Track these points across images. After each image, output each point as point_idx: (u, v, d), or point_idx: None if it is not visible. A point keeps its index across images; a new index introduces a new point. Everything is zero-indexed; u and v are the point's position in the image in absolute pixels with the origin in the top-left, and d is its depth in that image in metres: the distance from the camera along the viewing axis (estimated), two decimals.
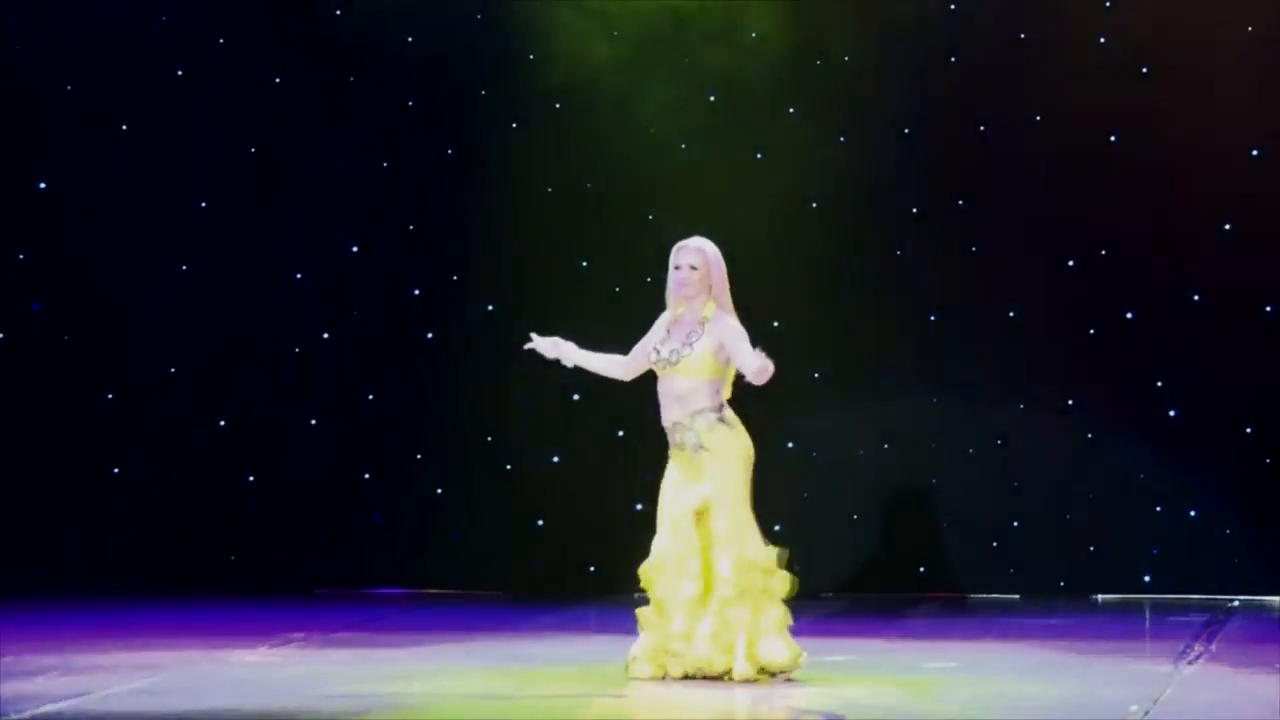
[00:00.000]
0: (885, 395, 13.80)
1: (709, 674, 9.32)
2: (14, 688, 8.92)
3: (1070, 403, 13.78)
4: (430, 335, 14.24)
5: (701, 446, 9.42)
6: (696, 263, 9.53)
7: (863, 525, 13.88)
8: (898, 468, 13.88)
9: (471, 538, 14.04)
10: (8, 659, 9.92)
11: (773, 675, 9.33)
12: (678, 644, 9.37)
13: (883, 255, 13.90)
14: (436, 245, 14.22)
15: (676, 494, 9.50)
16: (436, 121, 14.22)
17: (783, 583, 9.44)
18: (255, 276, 14.21)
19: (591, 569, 13.87)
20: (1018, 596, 13.76)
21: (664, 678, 9.41)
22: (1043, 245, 13.79)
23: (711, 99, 14.07)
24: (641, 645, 9.52)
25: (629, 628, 9.66)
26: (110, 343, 14.15)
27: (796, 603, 9.50)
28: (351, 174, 14.24)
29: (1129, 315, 13.73)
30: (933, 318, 13.89)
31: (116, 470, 14.17)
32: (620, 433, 13.65)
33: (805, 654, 9.44)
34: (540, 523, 14.08)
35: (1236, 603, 13.32)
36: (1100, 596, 13.73)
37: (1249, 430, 13.60)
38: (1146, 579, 13.73)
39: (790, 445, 13.81)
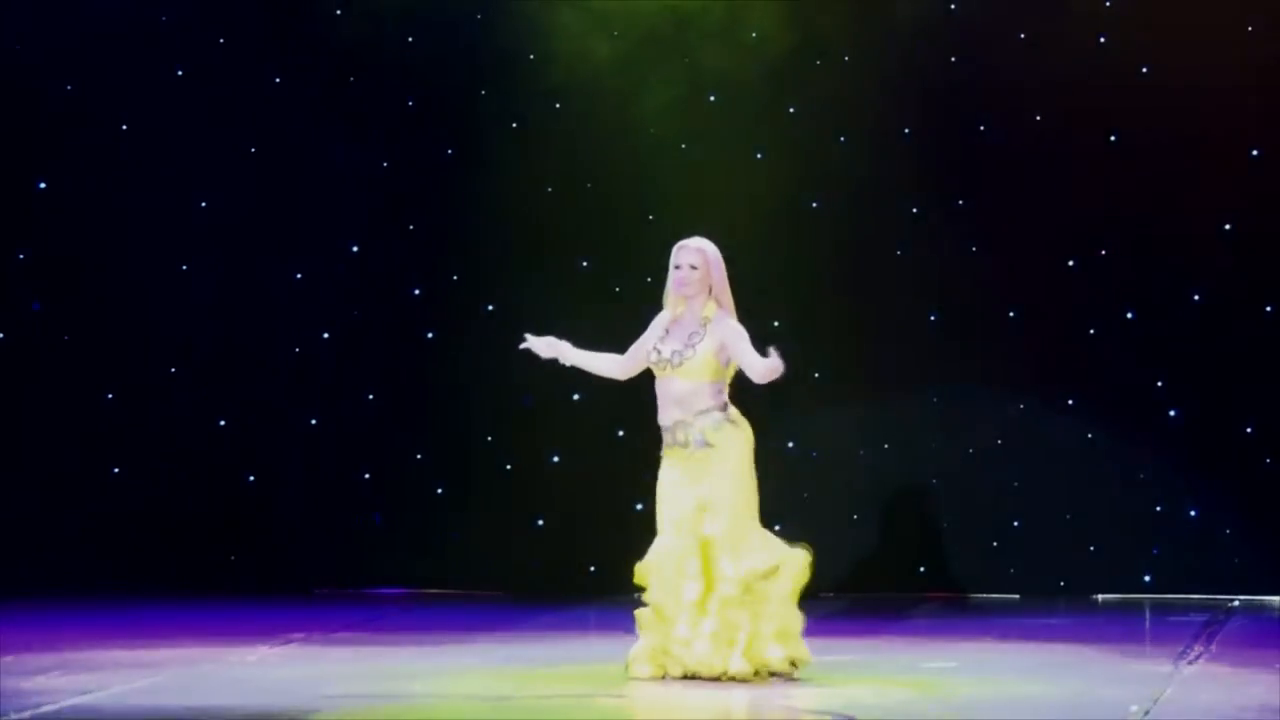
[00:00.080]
0: (885, 395, 13.80)
1: (709, 673, 9.32)
2: (14, 688, 8.91)
3: (1070, 403, 13.78)
4: (430, 335, 14.24)
5: (706, 444, 9.41)
6: (697, 262, 9.53)
7: (863, 525, 13.88)
8: (898, 468, 13.88)
9: (471, 538, 14.04)
10: (8, 659, 9.91)
11: (771, 675, 9.33)
12: (679, 648, 9.37)
13: (883, 255, 13.90)
14: (436, 245, 14.22)
15: (676, 494, 9.49)
16: (436, 121, 14.22)
17: (791, 582, 9.43)
18: (255, 276, 14.21)
19: (591, 569, 13.87)
20: (1018, 596, 13.76)
21: (664, 678, 9.41)
22: (1043, 245, 13.79)
23: (711, 99, 14.07)
24: (641, 645, 9.53)
25: (629, 628, 9.66)
26: (110, 343, 14.15)
27: (796, 602, 9.51)
28: (351, 174, 14.24)
29: (1129, 315, 13.73)
30: (933, 318, 13.89)
31: (116, 470, 14.17)
32: (620, 433, 13.64)
33: (809, 661, 9.43)
34: (540, 523, 14.08)
35: (1236, 603, 13.32)
36: (1100, 596, 13.73)
37: (1249, 430, 13.61)
38: (1146, 579, 13.73)
39: (790, 445, 13.81)
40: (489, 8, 14.11)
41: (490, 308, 14.11)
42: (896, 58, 13.81)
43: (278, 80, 14.25)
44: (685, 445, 9.45)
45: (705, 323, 9.48)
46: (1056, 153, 13.75)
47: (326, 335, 14.28)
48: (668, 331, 9.56)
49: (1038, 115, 13.81)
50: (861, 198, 13.88)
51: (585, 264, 14.12)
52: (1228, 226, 13.62)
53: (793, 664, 9.41)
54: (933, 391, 13.85)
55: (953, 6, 13.84)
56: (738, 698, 8.99)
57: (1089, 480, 13.72)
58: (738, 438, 9.46)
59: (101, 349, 14.15)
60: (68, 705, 8.50)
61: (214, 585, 13.82)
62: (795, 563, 9.46)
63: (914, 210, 13.92)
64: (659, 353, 9.51)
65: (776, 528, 9.67)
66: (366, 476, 14.19)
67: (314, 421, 14.23)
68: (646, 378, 9.66)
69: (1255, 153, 13.60)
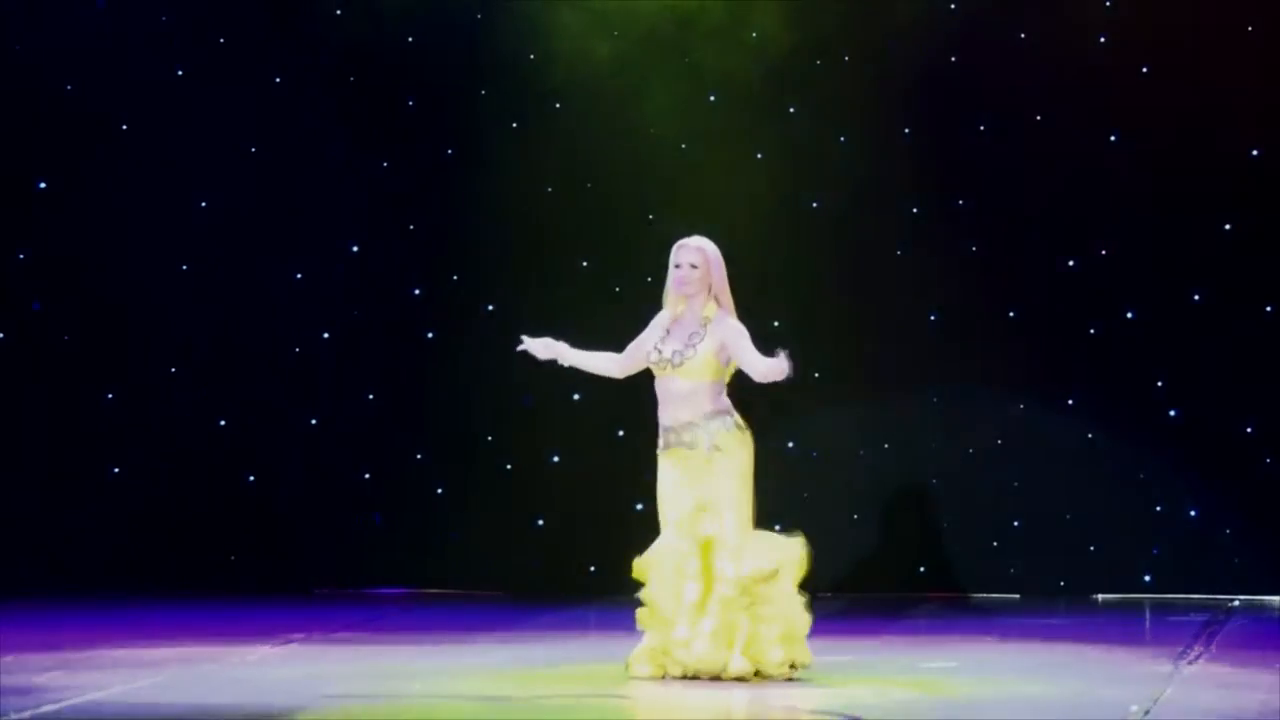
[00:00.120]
0: (885, 395, 13.80)
1: (709, 672, 9.31)
2: (14, 688, 8.91)
3: (1070, 403, 13.79)
4: (430, 335, 14.24)
5: (716, 448, 9.41)
6: (697, 261, 9.52)
7: (863, 525, 13.88)
8: (898, 468, 13.88)
9: (471, 538, 14.04)
10: (8, 659, 9.91)
11: (771, 677, 9.33)
12: (679, 649, 9.36)
13: (883, 255, 13.91)
14: (436, 245, 14.22)
15: (677, 494, 9.49)
16: (436, 121, 14.22)
17: (792, 581, 9.43)
18: (255, 276, 14.21)
19: (591, 569, 13.87)
20: (1018, 596, 13.76)
21: (664, 677, 9.41)
22: (1043, 245, 13.79)
23: (711, 99, 14.07)
24: (641, 645, 9.52)
25: (629, 628, 9.66)
26: (110, 343, 14.15)
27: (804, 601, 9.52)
28: (351, 174, 14.24)
29: (1129, 315, 13.74)
30: (933, 318, 13.89)
31: (116, 470, 14.17)
32: (620, 433, 13.64)
33: (810, 664, 9.43)
34: (540, 523, 14.09)
35: (1236, 603, 13.32)
36: (1100, 596, 13.73)
37: (1249, 430, 13.61)
38: (1146, 579, 13.73)
39: (790, 445, 13.81)
40: (489, 8, 14.11)
41: (490, 308, 14.11)
42: (896, 58, 13.81)
43: (278, 80, 14.25)
44: (692, 447, 9.44)
45: (705, 322, 9.47)
46: (1056, 153, 13.75)
47: (326, 335, 14.28)
48: (668, 331, 9.55)
49: (1038, 115, 13.81)
50: (861, 198, 13.88)
51: (585, 264, 14.12)
52: (1228, 226, 13.62)
53: (792, 666, 9.41)
54: (933, 391, 13.85)
55: (953, 6, 13.84)
56: (738, 698, 8.99)
57: (1089, 480, 13.72)
58: (743, 442, 9.47)
59: (101, 349, 14.15)
60: (68, 705, 8.50)
61: (214, 585, 13.82)
62: (793, 559, 9.45)
63: (914, 210, 13.92)
64: (659, 352, 9.50)
65: (776, 528, 9.67)
66: (366, 476, 14.19)
67: (314, 421, 14.23)
68: (645, 377, 9.65)
69: (1255, 153, 13.60)
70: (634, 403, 10.26)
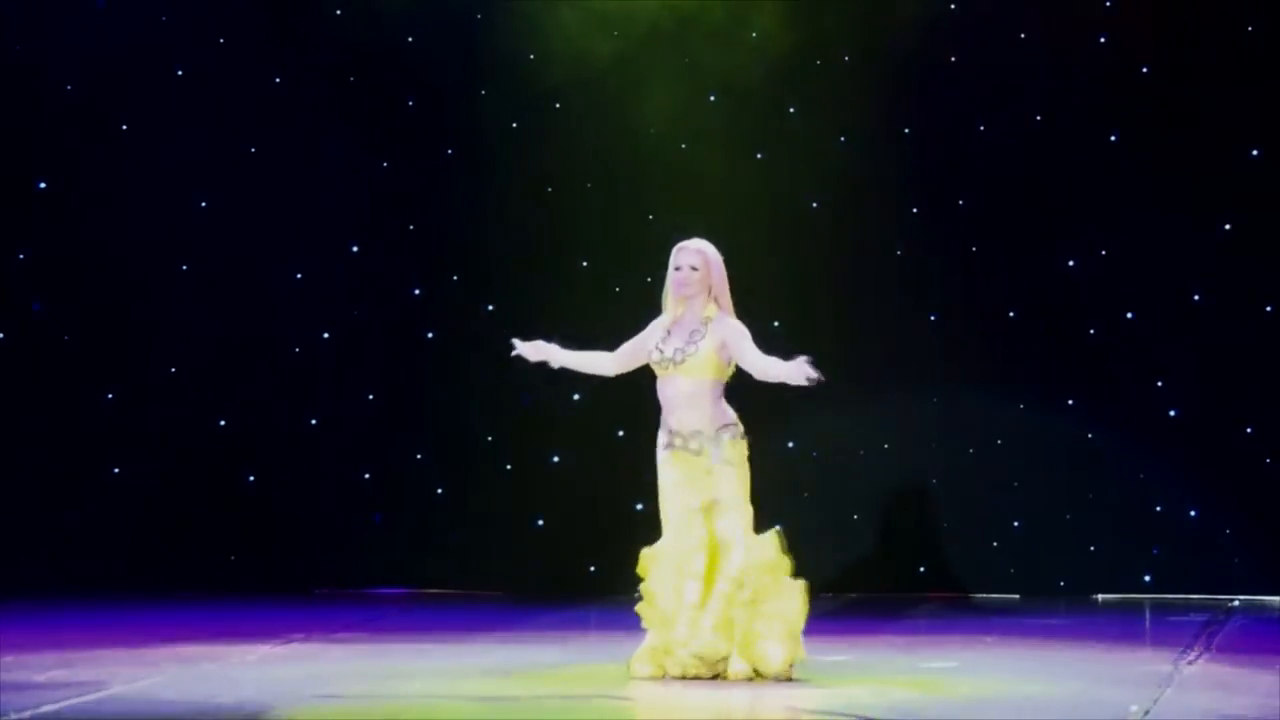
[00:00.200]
0: (885, 395, 13.80)
1: (710, 660, 9.30)
2: (14, 688, 8.91)
3: (1070, 403, 13.79)
4: (430, 335, 14.24)
5: (726, 462, 9.42)
6: (697, 263, 9.52)
7: (863, 525, 13.88)
8: (898, 468, 13.88)
9: (471, 538, 14.05)
10: (8, 659, 9.91)
11: (769, 677, 9.33)
12: (679, 648, 9.36)
13: (883, 255, 13.91)
14: (436, 245, 14.23)
15: (680, 493, 9.48)
16: (436, 121, 14.22)
17: (785, 571, 9.44)
18: (255, 276, 14.21)
19: (591, 569, 13.87)
20: (1018, 596, 13.77)
21: (664, 677, 9.41)
22: (1043, 245, 13.80)
23: (711, 99, 14.08)
24: (642, 645, 9.52)
25: (629, 628, 9.66)
26: (110, 343, 14.15)
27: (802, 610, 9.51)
28: (351, 174, 14.24)
29: (1129, 315, 13.74)
30: (933, 318, 13.89)
31: (116, 470, 14.17)
32: (620, 433, 13.64)
33: (804, 659, 9.43)
34: (540, 523, 14.09)
35: (1236, 603, 13.33)
36: (1100, 596, 13.74)
37: (1249, 430, 13.61)
38: (1146, 579, 13.74)
39: (790, 445, 13.82)
40: (489, 8, 14.12)
41: (490, 308, 14.11)
42: (896, 58, 13.81)
43: (278, 80, 14.25)
44: (699, 454, 9.44)
45: (707, 322, 9.47)
46: (1056, 153, 13.76)
47: (326, 335, 14.28)
48: (669, 332, 9.55)
49: (1038, 115, 13.81)
50: (861, 198, 13.88)
51: (585, 264, 14.13)
52: (1228, 226, 13.63)
53: (790, 664, 9.39)
54: (933, 391, 13.86)
55: (953, 6, 13.84)
56: (738, 698, 8.99)
57: (1089, 480, 13.73)
58: (744, 448, 9.48)
59: (101, 349, 14.15)
60: (68, 705, 8.50)
61: (214, 585, 13.82)
62: (780, 553, 9.46)
63: (914, 210, 13.93)
64: (660, 352, 9.50)
65: (777, 528, 9.67)
66: (366, 476, 14.20)
67: (314, 421, 14.24)
68: (646, 379, 9.64)
69: (1255, 153, 13.61)
70: (634, 403, 10.27)
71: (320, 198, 14.24)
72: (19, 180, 14.17)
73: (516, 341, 9.84)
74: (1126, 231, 13.72)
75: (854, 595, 13.58)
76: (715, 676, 9.35)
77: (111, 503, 14.07)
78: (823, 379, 9.17)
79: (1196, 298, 13.67)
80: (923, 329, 13.86)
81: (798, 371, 9.18)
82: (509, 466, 14.15)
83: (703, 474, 9.43)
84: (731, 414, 9.48)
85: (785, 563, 9.45)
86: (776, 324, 13.19)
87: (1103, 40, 13.76)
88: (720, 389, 9.49)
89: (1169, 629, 12.14)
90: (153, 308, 14.17)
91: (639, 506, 12.25)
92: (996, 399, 13.79)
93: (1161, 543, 13.71)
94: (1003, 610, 13.22)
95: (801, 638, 9.46)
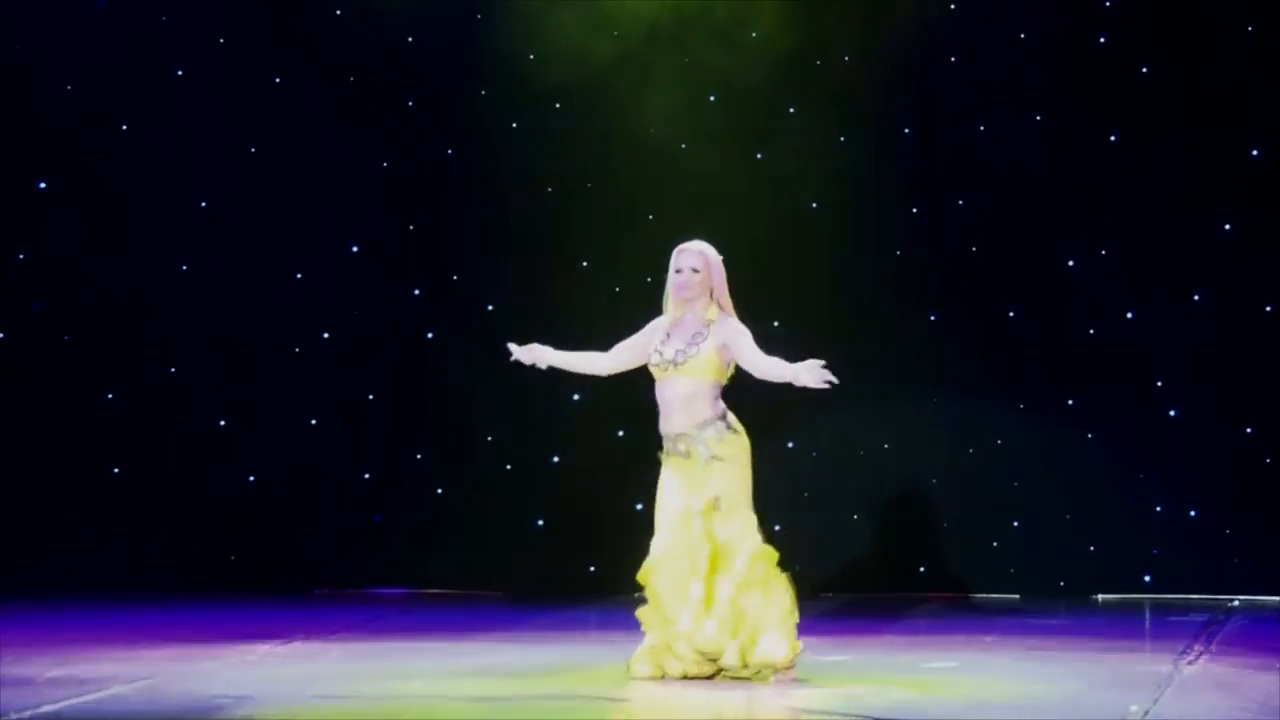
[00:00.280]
0: (885, 395, 13.79)
1: (713, 657, 9.30)
2: (14, 688, 8.91)
3: (1070, 403, 13.79)
4: (430, 335, 14.24)
5: (715, 457, 9.40)
6: (698, 265, 9.51)
7: (863, 525, 13.88)
8: (898, 468, 13.88)
9: (471, 538, 14.04)
10: (8, 659, 9.91)
11: (775, 671, 9.32)
12: (681, 644, 9.35)
13: (883, 255, 13.91)
14: (436, 245, 14.23)
15: (677, 496, 9.47)
16: (436, 121, 14.22)
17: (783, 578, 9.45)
18: (255, 276, 14.21)
19: (591, 569, 13.87)
20: (1018, 596, 13.76)
21: (663, 678, 9.40)
22: (1043, 245, 13.79)
23: (711, 99, 14.07)
24: (642, 645, 9.52)
25: (629, 628, 9.66)
26: (110, 343, 14.15)
27: (796, 602, 9.49)
28: (351, 174, 14.24)
29: (1129, 315, 13.74)
30: (933, 318, 13.89)
31: (116, 470, 14.17)
32: (620, 433, 13.65)
33: (803, 650, 9.43)
34: (540, 523, 14.09)
35: (1236, 603, 13.33)
36: (1100, 596, 13.74)
37: (1249, 430, 13.61)
38: (1146, 579, 13.73)
39: (790, 445, 13.82)
40: (489, 8, 14.11)
41: (490, 308, 14.11)
42: (896, 58, 13.81)
43: (278, 80, 14.25)
44: (688, 456, 9.44)
45: (708, 323, 9.47)
46: (1056, 153, 13.76)
47: (326, 335, 14.28)
48: (669, 334, 9.54)
49: (1038, 115, 13.81)
50: (861, 198, 13.88)
51: (585, 264, 14.12)
52: (1228, 226, 13.63)
53: (794, 655, 9.37)
54: (933, 391, 13.86)
55: (953, 6, 13.84)
56: (737, 698, 8.99)
57: (1089, 480, 13.72)
58: (741, 445, 9.46)
59: (101, 349, 14.15)
60: (68, 705, 8.50)
61: (214, 585, 13.82)
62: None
63: (914, 210, 13.92)
64: (660, 354, 9.49)
65: (777, 528, 9.67)
66: (366, 476, 14.19)
67: (314, 421, 14.23)
68: (645, 380, 9.64)
69: (1255, 153, 13.61)
70: (634, 403, 10.26)
71: (320, 198, 14.24)
72: (19, 180, 14.17)
73: (512, 346, 9.83)
74: (1126, 231, 13.72)
75: (854, 595, 13.58)
76: (714, 675, 9.35)
77: (111, 503, 14.07)
78: (836, 381, 9.16)
79: (1196, 298, 13.66)
80: (923, 329, 13.86)
81: (811, 375, 9.16)
82: (509, 466, 14.14)
83: (699, 477, 9.41)
84: (720, 409, 9.45)
85: (774, 552, 9.44)
86: (776, 324, 13.18)
87: (1103, 40, 13.76)
88: (718, 390, 9.49)
89: (1169, 629, 12.14)
90: (153, 308, 14.17)
91: (639, 506, 12.24)
92: (996, 399, 13.79)
93: (1161, 543, 13.70)
94: (1003, 610, 13.22)
95: (796, 631, 9.44)
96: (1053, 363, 13.77)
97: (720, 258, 9.58)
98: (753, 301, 9.96)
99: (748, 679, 9.31)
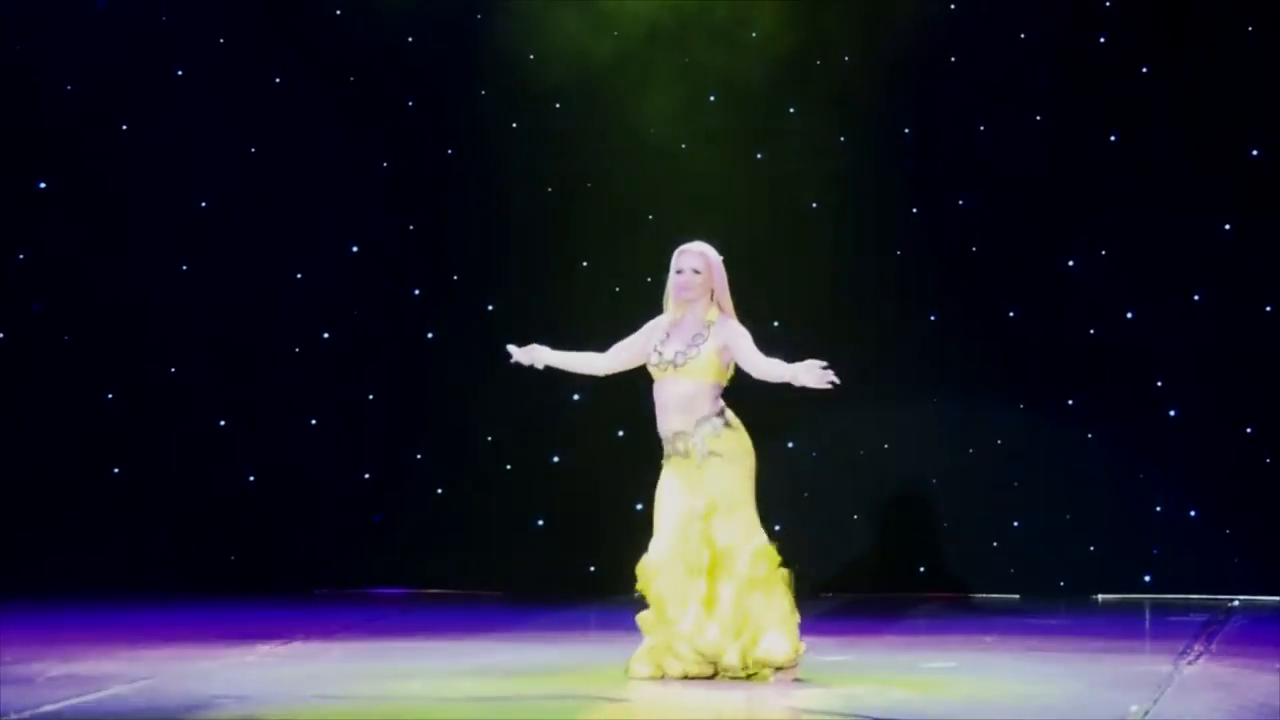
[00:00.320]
0: (885, 395, 13.79)
1: (713, 658, 9.29)
2: (14, 688, 8.91)
3: (1070, 403, 13.79)
4: (430, 335, 14.24)
5: (711, 453, 9.39)
6: (699, 266, 9.50)
7: (863, 525, 13.88)
8: (898, 468, 13.88)
9: (471, 538, 14.04)
10: (8, 659, 9.91)
11: (777, 670, 9.31)
12: (682, 644, 9.35)
13: (883, 255, 13.91)
14: (436, 245, 14.23)
15: (677, 497, 9.45)
16: (436, 121, 14.22)
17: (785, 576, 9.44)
18: (255, 276, 14.21)
19: (591, 569, 13.87)
20: (1018, 596, 13.76)
21: (663, 678, 9.40)
22: (1043, 245, 13.79)
23: (712, 99, 14.07)
24: (642, 646, 9.51)
25: (629, 628, 9.65)
26: (110, 343, 14.15)
27: (796, 602, 9.49)
28: (351, 174, 14.24)
29: (1129, 315, 13.74)
30: (933, 318, 13.89)
31: (116, 470, 14.17)
32: (620, 433, 13.64)
33: (805, 649, 9.42)
34: (540, 523, 14.09)
35: (1236, 603, 13.33)
36: (1100, 596, 13.73)
37: (1249, 430, 13.61)
38: (1146, 579, 13.73)
39: (790, 445, 13.81)
40: (489, 8, 14.11)
41: (490, 308, 14.11)
42: (896, 58, 13.81)
43: (278, 80, 14.25)
44: (686, 455, 9.42)
45: (709, 324, 9.46)
46: (1056, 153, 13.76)
47: (326, 335, 14.28)
48: (668, 335, 9.53)
49: (1038, 115, 13.81)
50: (861, 198, 13.88)
51: (585, 264, 14.12)
52: (1228, 226, 13.63)
53: (796, 653, 9.36)
54: (933, 391, 13.85)
55: (952, 6, 13.84)
56: (737, 698, 8.98)
57: (1089, 480, 13.72)
58: (737, 440, 9.45)
59: (101, 349, 14.14)
60: (68, 705, 8.50)
61: (214, 585, 13.82)
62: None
63: (914, 210, 13.92)
64: (660, 355, 9.49)
65: (777, 528, 9.67)
66: (366, 476, 14.19)
67: (314, 421, 14.23)
68: (645, 380, 9.63)
69: (1255, 153, 13.61)
70: (634, 403, 10.26)
71: (320, 198, 14.24)
72: (19, 180, 14.16)
73: (511, 348, 9.83)
74: (1126, 231, 13.72)
75: (854, 595, 13.58)
76: (714, 675, 9.34)
77: (111, 503, 14.06)
78: (837, 381, 9.15)
79: (1196, 298, 13.66)
80: (923, 329, 13.86)
81: (811, 375, 9.16)
82: (509, 466, 14.14)
83: (699, 476, 9.40)
84: (719, 407, 9.44)
85: (774, 551, 9.43)
86: (776, 324, 13.19)
87: (1103, 40, 13.76)
88: (718, 392, 9.48)
89: (1169, 629, 12.14)
90: (153, 308, 14.17)
91: (639, 506, 12.22)
92: (996, 399, 13.79)
93: (1161, 543, 13.70)
94: (1003, 610, 13.22)
95: (799, 631, 9.44)
96: (1053, 363, 13.77)
97: (721, 259, 9.58)
98: (753, 302, 9.96)
99: (748, 679, 9.30)
